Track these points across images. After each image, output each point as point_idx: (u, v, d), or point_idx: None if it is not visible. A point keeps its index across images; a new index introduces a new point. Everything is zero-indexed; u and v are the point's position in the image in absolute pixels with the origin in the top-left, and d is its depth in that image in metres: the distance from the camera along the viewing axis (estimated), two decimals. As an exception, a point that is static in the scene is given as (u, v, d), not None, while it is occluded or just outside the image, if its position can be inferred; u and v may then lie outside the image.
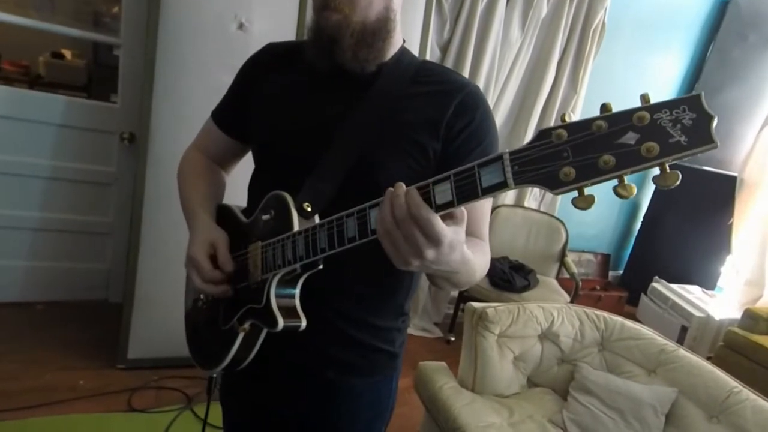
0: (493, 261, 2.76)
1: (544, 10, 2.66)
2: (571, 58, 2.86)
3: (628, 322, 1.79)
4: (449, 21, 2.50)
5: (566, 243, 2.95)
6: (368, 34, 0.72)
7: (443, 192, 0.51)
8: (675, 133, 0.38)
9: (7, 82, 2.62)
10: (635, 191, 0.41)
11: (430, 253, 0.52)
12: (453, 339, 2.79)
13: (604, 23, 2.86)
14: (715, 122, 0.37)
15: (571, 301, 2.64)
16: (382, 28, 0.74)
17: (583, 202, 0.43)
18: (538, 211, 3.08)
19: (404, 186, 0.54)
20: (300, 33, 1.94)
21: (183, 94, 1.83)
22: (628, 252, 3.89)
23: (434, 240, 0.52)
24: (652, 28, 3.25)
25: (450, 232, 0.52)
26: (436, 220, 0.51)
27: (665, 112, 0.39)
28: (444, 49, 2.55)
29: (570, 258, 2.98)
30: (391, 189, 0.54)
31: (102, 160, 2.27)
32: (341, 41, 0.71)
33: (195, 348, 0.90)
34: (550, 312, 1.76)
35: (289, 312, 0.70)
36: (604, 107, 0.42)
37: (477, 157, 0.49)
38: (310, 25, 0.74)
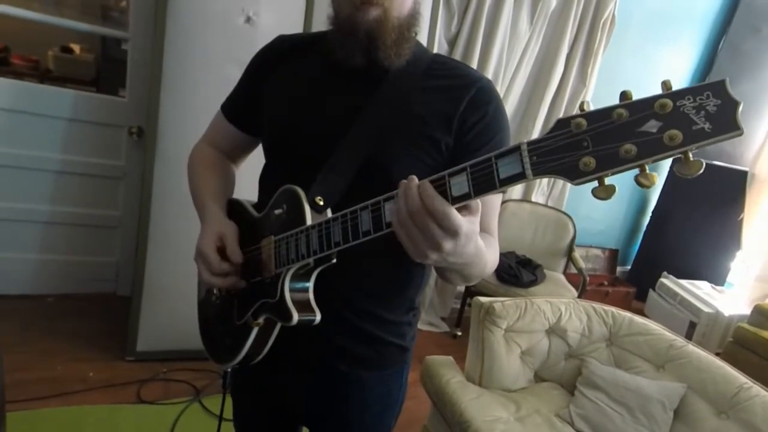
0: (500, 256, 2.75)
1: (553, 3, 2.63)
2: (580, 52, 2.84)
3: (637, 318, 1.78)
4: (457, 14, 2.48)
5: (574, 238, 2.93)
6: (405, 28, 0.72)
7: (459, 184, 0.50)
8: (699, 120, 0.37)
9: (17, 77, 2.63)
10: (657, 180, 0.40)
11: (448, 245, 0.52)
12: (460, 334, 2.79)
13: (614, 16, 2.83)
14: (740, 108, 0.36)
15: (579, 297, 2.63)
16: (414, 22, 0.74)
17: (604, 192, 0.42)
18: (545, 205, 3.06)
19: (416, 179, 0.53)
20: (307, 26, 1.94)
21: (191, 88, 1.83)
22: (636, 247, 3.87)
23: (451, 231, 0.51)
24: (662, 21, 3.21)
25: (466, 223, 0.52)
26: (452, 211, 0.51)
27: (688, 99, 0.38)
28: (452, 43, 2.53)
29: (577, 253, 2.97)
30: (404, 182, 0.53)
31: (111, 154, 2.28)
32: (383, 37, 0.70)
33: (209, 342, 0.90)
34: (557, 307, 1.75)
35: (303, 306, 0.70)
36: (624, 95, 0.41)
37: (490, 151, 0.49)
38: (338, 21, 0.73)
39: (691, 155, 0.38)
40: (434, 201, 0.50)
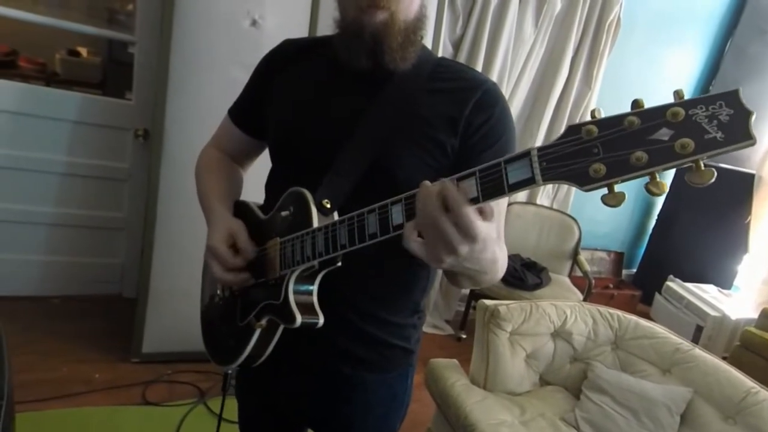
0: (505, 258, 2.74)
1: (558, 6, 2.62)
2: (585, 55, 2.83)
3: (643, 321, 1.77)
4: (462, 17, 2.48)
5: (579, 241, 2.92)
6: (411, 31, 0.72)
7: (468, 188, 0.50)
8: (711, 129, 0.37)
9: (24, 80, 2.65)
10: (666, 188, 0.40)
11: (463, 249, 0.51)
12: (464, 336, 2.78)
13: (619, 19, 2.82)
14: (753, 118, 0.36)
15: (584, 300, 2.62)
16: (421, 26, 0.74)
17: (613, 200, 0.42)
18: (550, 208, 3.05)
19: (429, 183, 0.52)
20: (313, 29, 1.94)
21: (196, 91, 1.84)
22: (641, 250, 3.85)
23: (470, 235, 0.51)
24: (668, 24, 3.20)
25: (484, 228, 0.51)
26: (472, 214, 0.50)
27: (701, 108, 0.38)
28: (456, 46, 2.53)
29: (583, 256, 2.96)
30: (426, 183, 0.53)
31: (116, 157, 2.30)
32: (389, 40, 0.70)
33: (211, 344, 0.90)
34: (562, 310, 1.75)
35: (306, 308, 0.71)
36: (636, 103, 0.41)
37: (495, 153, 0.49)
38: (345, 23, 0.73)
39: (702, 164, 0.38)
40: (459, 203, 0.49)
